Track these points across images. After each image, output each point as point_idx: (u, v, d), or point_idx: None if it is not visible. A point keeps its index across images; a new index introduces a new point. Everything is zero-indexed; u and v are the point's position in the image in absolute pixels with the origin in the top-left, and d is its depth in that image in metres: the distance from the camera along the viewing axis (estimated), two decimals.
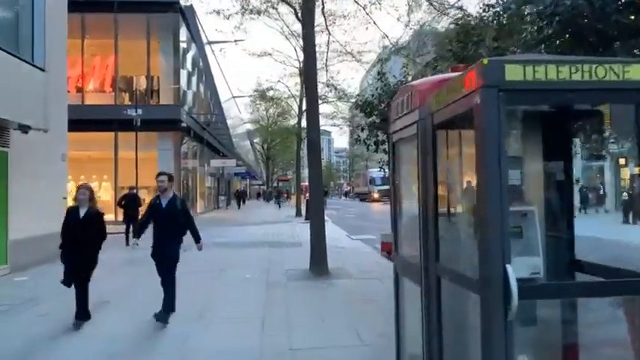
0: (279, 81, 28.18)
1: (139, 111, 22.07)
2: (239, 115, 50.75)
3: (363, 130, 9.36)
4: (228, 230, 19.51)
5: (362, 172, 70.36)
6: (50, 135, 11.31)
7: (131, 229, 15.18)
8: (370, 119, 9.35)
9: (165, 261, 6.46)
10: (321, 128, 42.00)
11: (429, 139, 3.28)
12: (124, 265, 11.05)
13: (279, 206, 38.43)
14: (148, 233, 6.76)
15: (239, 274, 9.56)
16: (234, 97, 47.82)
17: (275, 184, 62.89)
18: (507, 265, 2.42)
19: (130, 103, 23.80)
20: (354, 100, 9.34)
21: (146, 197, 27.66)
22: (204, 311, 6.73)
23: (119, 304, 7.52)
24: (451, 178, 3.52)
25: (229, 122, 45.73)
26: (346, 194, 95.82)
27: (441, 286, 3.23)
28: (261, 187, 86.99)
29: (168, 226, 6.51)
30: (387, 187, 55.64)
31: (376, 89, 9.36)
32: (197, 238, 6.89)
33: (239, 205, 39.60)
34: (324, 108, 29.25)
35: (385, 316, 6.39)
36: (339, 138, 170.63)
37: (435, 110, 3.14)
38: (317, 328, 5.98)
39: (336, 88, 25.61)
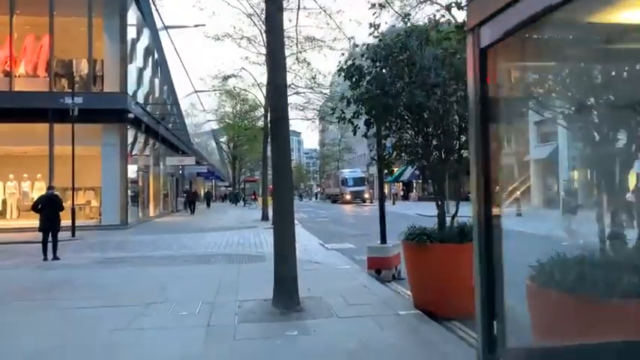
0: (243, 68, 25.10)
1: (79, 99, 18.86)
2: (202, 111, 47.46)
3: (349, 104, 6.58)
4: (179, 239, 16.47)
5: (333, 172, 67.84)
6: None
7: (50, 239, 12.07)
8: (358, 91, 6.58)
9: None
10: (290, 128, 39.56)
11: None
12: (28, 293, 7.98)
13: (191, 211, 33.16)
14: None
15: (173, 309, 6.66)
16: (196, 91, 44.56)
17: (242, 185, 59.58)
18: None
19: (68, 90, 20.44)
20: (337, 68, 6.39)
21: (93, 199, 24.55)
22: None
23: None
24: None
25: (192, 120, 42.46)
26: (316, 196, 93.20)
27: None
28: (228, 188, 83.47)
29: None
30: (359, 188, 53.24)
31: (366, 47, 6.61)
32: None
33: (191, 209, 33.38)
34: (293, 99, 26.45)
35: None
36: (307, 139, 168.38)
37: None
38: None
39: (308, 64, 22.84)
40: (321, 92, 26.04)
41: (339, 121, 6.76)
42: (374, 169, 69.06)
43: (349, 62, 6.61)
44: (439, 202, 6.66)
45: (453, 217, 6.67)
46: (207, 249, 13.74)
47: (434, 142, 6.51)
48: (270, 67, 6.51)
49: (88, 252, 13.63)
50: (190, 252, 13.12)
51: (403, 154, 6.83)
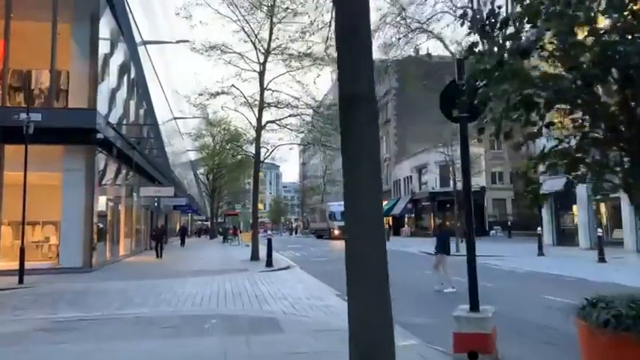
0: (233, 85, 22.10)
1: (36, 115, 15.67)
2: (183, 134, 44.23)
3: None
4: (155, 288, 12.99)
5: (319, 206, 64.66)
6: None
7: None
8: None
9: None
10: (270, 161, 35.35)
11: None
12: None
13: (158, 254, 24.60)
14: None
15: None
16: (175, 118, 41.45)
17: (223, 219, 55.81)
18: None
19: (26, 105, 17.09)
20: None
21: (52, 236, 20.81)
22: None
23: None
24: None
25: (173, 148, 39.16)
26: (295, 230, 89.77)
27: None
28: (204, 222, 79.41)
29: None
30: None
31: None
32: None
33: (158, 250, 24.80)
34: (289, 121, 23.36)
35: None
36: (287, 172, 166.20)
37: None
38: None
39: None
40: (321, 114, 23.10)
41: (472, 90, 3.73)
42: None
43: None
44: None
45: None
46: (193, 304, 10.37)
47: None
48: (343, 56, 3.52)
49: (33, 310, 10.13)
50: (171, 310, 9.73)
51: (582, 169, 3.81)
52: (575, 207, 27.00)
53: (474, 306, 6.05)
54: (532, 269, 16.95)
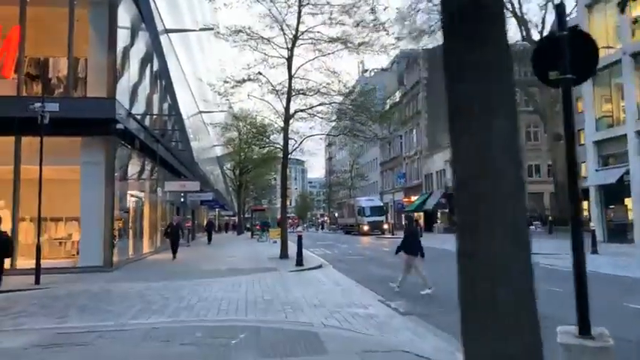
0: (260, 73, 20.75)
1: (53, 105, 14.69)
2: (209, 125, 43.31)
3: None
4: (177, 290, 11.78)
5: (347, 201, 63.09)
6: None
7: None
8: None
9: None
10: (298, 154, 34.00)
11: None
12: None
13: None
14: None
15: None
16: (200, 112, 40.50)
17: (251, 215, 54.86)
18: None
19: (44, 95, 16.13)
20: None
21: (75, 232, 19.89)
22: None
23: None
24: None
25: (197, 143, 38.24)
26: (322, 225, 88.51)
27: None
28: (231, 217, 78.85)
29: None
30: (377, 218, 48.38)
31: None
32: None
33: (175, 251, 22.14)
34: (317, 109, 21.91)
35: None
36: (313, 167, 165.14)
37: None
38: None
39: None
40: (354, 100, 21.60)
41: None
42: (389, 198, 64.40)
43: None
44: None
45: None
46: (218, 312, 9.07)
47: None
48: None
49: (40, 317, 9.01)
50: (194, 319, 8.45)
51: None
52: (628, 200, 24.89)
53: (585, 328, 4.54)
54: (592, 269, 15.08)
